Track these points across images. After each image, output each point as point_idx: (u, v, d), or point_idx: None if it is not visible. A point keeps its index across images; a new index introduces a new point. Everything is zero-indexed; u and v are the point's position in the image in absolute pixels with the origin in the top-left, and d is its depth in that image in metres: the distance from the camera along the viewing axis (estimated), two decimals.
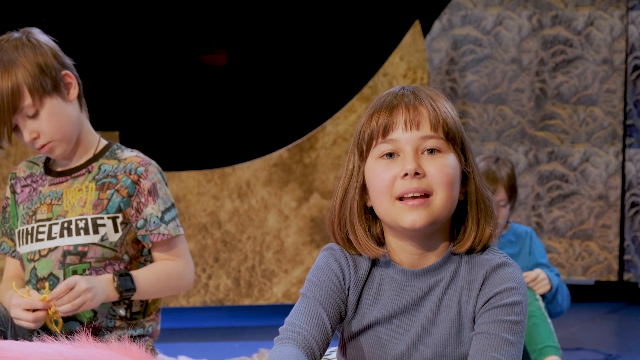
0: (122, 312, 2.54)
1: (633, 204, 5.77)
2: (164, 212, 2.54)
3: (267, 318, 5.11)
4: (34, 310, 2.39)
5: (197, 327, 4.99)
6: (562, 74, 5.82)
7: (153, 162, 2.59)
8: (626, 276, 5.82)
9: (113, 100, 5.34)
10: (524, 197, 5.79)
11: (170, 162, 5.16)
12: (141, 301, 2.58)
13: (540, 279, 3.64)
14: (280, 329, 1.78)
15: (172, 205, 2.58)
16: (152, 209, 2.52)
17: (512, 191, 3.83)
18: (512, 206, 3.89)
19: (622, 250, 5.84)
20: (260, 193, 4.92)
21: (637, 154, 5.74)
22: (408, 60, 5.08)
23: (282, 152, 4.96)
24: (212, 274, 4.89)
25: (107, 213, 2.51)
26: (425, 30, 5.59)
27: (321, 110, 5.14)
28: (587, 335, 4.47)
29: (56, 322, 2.45)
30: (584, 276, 5.77)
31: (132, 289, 2.48)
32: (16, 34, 2.53)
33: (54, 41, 2.57)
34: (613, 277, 5.80)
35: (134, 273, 2.50)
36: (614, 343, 4.76)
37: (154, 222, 2.52)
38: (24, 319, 2.39)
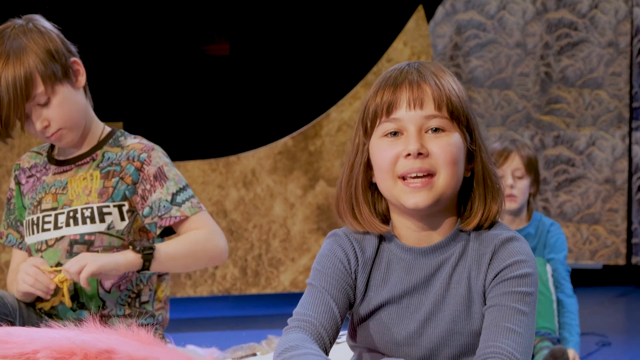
0: (130, 300, 2.52)
1: None
2: (175, 194, 2.50)
3: (274, 307, 5.10)
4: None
5: (204, 316, 4.98)
6: (567, 57, 5.79)
7: (157, 147, 2.56)
8: (634, 260, 5.80)
9: (117, 91, 5.32)
10: None
11: (174, 152, 5.11)
12: (150, 289, 2.56)
13: None
14: (288, 320, 1.76)
15: (186, 185, 2.53)
16: (160, 194, 2.48)
17: (530, 166, 3.77)
18: (536, 189, 3.81)
19: (629, 233, 5.82)
20: (266, 181, 4.91)
21: None
22: (412, 45, 5.05)
23: (286, 140, 4.94)
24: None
25: (113, 201, 2.48)
26: (429, 15, 5.57)
27: (325, 98, 5.13)
28: (596, 319, 4.45)
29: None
30: (592, 260, 5.75)
31: (151, 248, 2.44)
32: (19, 21, 2.50)
33: (57, 28, 2.54)
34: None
35: (156, 245, 2.47)
36: (623, 327, 4.75)
37: (164, 206, 2.48)
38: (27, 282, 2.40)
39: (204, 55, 5.72)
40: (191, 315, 4.93)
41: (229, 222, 4.87)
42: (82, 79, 2.51)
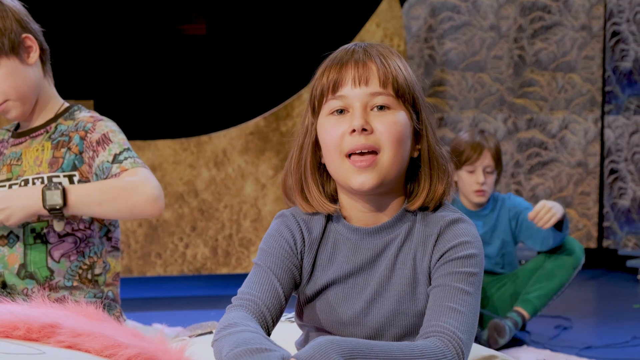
0: (82, 272, 2.53)
1: (612, 171, 5.77)
2: (117, 155, 2.49)
3: None
4: None
5: (175, 296, 4.99)
6: (541, 40, 5.80)
7: (106, 119, 2.58)
8: (605, 243, 5.83)
9: (89, 69, 5.31)
10: (504, 164, 5.79)
11: (146, 131, 5.14)
12: (104, 262, 2.56)
13: (545, 210, 3.44)
14: (232, 298, 1.77)
15: (131, 149, 2.52)
16: (102, 157, 2.48)
17: (498, 159, 3.82)
18: (498, 179, 3.87)
19: (601, 217, 5.85)
20: (237, 161, 4.91)
21: (615, 120, 5.74)
22: (384, 27, 5.05)
23: (258, 121, 4.94)
24: (190, 242, 4.88)
25: (63, 171, 2.51)
26: None
27: (297, 79, 5.12)
28: (565, 301, 4.47)
29: None
30: None
31: (60, 205, 2.42)
32: None
33: (24, 6, 2.59)
34: (592, 244, 5.81)
35: (67, 186, 2.44)
36: (589, 309, 4.78)
37: (106, 167, 2.47)
38: None
39: (180, 35, 5.70)
40: (161, 295, 4.93)
41: (200, 201, 4.87)
42: (34, 55, 2.56)
